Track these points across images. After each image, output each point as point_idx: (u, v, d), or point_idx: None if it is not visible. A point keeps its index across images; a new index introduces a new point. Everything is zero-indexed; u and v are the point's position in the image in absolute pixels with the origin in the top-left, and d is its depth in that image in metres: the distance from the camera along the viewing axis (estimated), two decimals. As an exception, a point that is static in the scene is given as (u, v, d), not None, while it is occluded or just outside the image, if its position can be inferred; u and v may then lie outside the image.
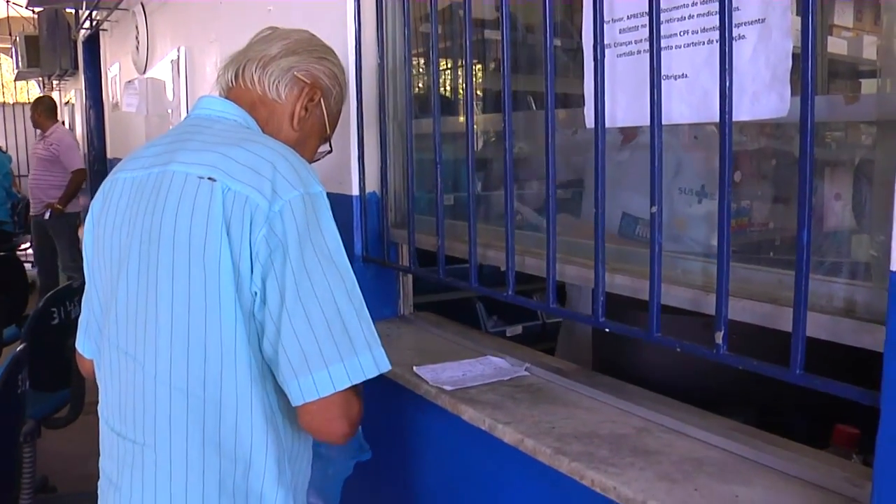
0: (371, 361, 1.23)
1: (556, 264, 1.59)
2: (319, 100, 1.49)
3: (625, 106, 1.44)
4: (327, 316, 1.20)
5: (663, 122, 1.33)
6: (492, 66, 3.10)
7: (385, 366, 1.26)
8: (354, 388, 1.25)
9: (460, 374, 1.75)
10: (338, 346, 1.20)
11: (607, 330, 1.48)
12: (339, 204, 2.21)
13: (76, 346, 1.52)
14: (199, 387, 1.23)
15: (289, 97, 1.45)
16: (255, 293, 1.22)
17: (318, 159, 1.60)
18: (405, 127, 2.05)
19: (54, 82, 10.48)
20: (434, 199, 1.92)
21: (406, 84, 2.04)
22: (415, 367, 1.80)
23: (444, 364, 1.83)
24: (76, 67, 8.79)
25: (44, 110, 6.79)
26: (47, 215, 6.65)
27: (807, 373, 1.16)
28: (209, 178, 1.23)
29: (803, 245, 1.12)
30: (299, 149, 1.42)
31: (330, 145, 1.62)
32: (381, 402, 1.89)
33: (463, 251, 1.86)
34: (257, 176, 1.22)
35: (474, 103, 1.84)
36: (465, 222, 1.81)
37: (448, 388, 1.66)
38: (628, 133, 2.28)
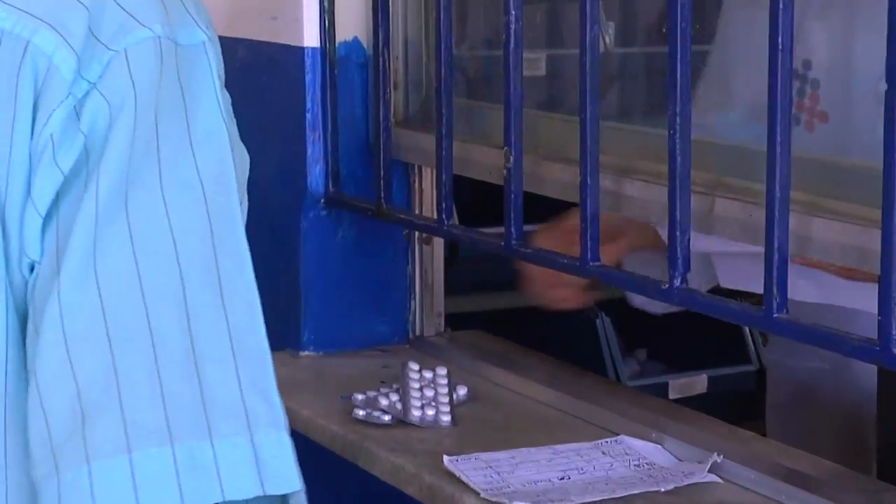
0: (249, 458, 0.88)
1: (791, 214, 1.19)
2: None
3: None
4: (152, 320, 0.95)
5: None
6: None
7: (288, 481, 0.90)
8: None
9: (555, 475, 1.45)
10: (165, 400, 0.94)
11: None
12: (275, 68, 1.78)
13: None
14: None
15: None
16: (32, 266, 0.99)
17: None
18: None
19: None
20: (491, 58, 1.69)
21: None
22: (446, 459, 1.42)
23: (515, 452, 1.47)
24: None
25: None
26: None
27: None
28: None
29: None
30: None
31: None
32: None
33: (567, 180, 1.47)
34: None
35: None
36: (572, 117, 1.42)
37: (525, 508, 1.33)
38: None
